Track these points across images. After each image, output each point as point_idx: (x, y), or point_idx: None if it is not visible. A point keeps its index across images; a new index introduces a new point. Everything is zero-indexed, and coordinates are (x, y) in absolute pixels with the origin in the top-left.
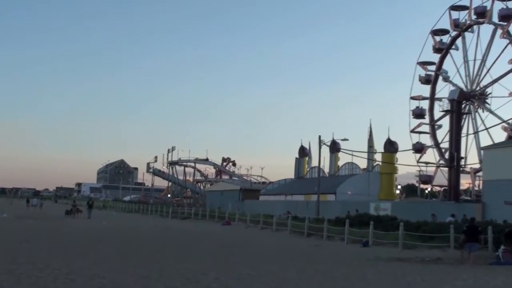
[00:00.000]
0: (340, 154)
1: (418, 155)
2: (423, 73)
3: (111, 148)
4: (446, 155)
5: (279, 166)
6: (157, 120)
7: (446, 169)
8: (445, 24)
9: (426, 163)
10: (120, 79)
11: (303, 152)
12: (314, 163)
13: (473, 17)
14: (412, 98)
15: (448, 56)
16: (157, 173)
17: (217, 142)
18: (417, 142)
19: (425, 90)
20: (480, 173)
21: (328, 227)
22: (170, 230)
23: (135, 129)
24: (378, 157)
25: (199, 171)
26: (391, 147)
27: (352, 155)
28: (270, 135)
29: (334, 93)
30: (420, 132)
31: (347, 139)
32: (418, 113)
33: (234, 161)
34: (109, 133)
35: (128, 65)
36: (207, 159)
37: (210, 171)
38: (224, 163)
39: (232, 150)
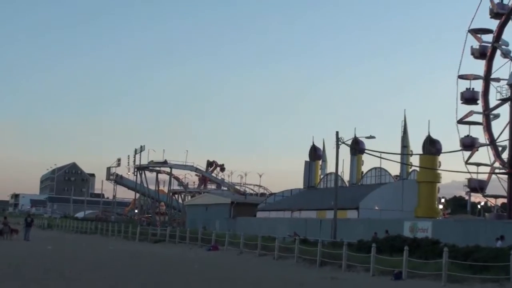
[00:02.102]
0: (364, 157)
1: (467, 154)
2: (476, 44)
3: (59, 148)
4: (505, 156)
5: (283, 173)
6: (121, 112)
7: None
8: None
9: (478, 164)
10: (75, 65)
11: (315, 154)
12: (330, 168)
13: None
14: (461, 77)
15: (510, 23)
16: (120, 181)
17: (201, 141)
18: (467, 136)
19: (479, 66)
20: None
21: (348, 253)
22: (137, 258)
23: (91, 123)
24: (415, 160)
25: (176, 178)
26: (432, 147)
27: (381, 158)
28: (272, 132)
29: (355, 78)
30: (470, 123)
31: (373, 137)
32: (468, 97)
33: (222, 165)
34: (56, 129)
35: (87, 47)
36: (188, 164)
37: (192, 178)
38: (210, 168)
39: (220, 151)
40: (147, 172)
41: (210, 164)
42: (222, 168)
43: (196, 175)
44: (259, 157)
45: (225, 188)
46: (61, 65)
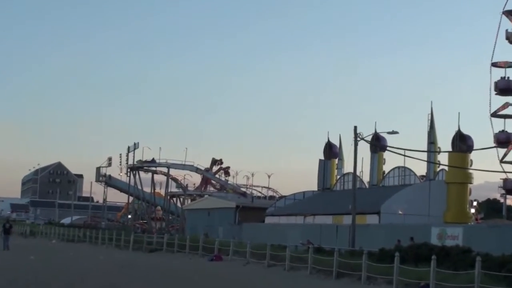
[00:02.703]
0: (386, 155)
1: (502, 151)
2: (511, 27)
3: (43, 146)
4: None
5: (294, 173)
6: (113, 106)
7: None
8: None
9: None
10: (60, 54)
11: (331, 152)
12: (348, 167)
13: None
14: (494, 64)
15: None
16: (111, 182)
17: (202, 138)
18: (502, 131)
19: None
20: None
21: (368, 263)
22: (130, 269)
23: (78, 118)
24: (443, 158)
25: (175, 179)
26: (462, 143)
27: (405, 155)
28: (282, 128)
29: (374, 69)
30: (506, 116)
31: (396, 132)
32: (503, 87)
33: (228, 168)
34: (39, 124)
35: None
36: (187, 163)
37: (192, 179)
38: (214, 168)
39: (224, 149)
40: (141, 173)
41: (214, 162)
42: (227, 171)
43: (198, 174)
44: (268, 155)
45: (230, 191)
46: (42, 55)
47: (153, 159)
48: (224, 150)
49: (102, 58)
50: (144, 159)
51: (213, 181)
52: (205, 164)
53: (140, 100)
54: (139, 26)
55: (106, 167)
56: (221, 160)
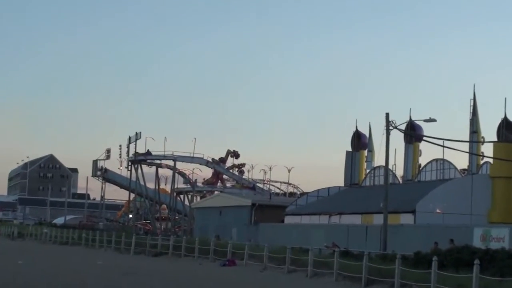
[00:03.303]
0: (422, 146)
1: None
2: None
3: (33, 136)
4: None
5: (318, 166)
6: (111, 91)
7: None
8: None
9: None
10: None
11: (359, 142)
12: (379, 160)
13: None
14: None
15: None
16: (110, 177)
17: (214, 127)
18: None
19: None
20: None
21: (402, 269)
22: (132, 276)
23: (72, 105)
24: (487, 149)
25: (182, 174)
26: (509, 133)
27: (443, 146)
28: (303, 115)
29: (409, 47)
30: None
31: (434, 120)
32: None
33: (242, 165)
34: (28, 113)
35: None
36: (196, 156)
37: (201, 174)
38: (229, 159)
39: (237, 140)
40: (144, 166)
41: (228, 154)
42: (240, 169)
43: (208, 168)
44: (287, 146)
45: (245, 186)
46: (32, 42)
47: (148, 151)
48: (237, 141)
49: (99, 40)
50: (146, 151)
51: (225, 176)
52: (216, 156)
53: (144, 84)
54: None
55: (104, 160)
56: (235, 151)
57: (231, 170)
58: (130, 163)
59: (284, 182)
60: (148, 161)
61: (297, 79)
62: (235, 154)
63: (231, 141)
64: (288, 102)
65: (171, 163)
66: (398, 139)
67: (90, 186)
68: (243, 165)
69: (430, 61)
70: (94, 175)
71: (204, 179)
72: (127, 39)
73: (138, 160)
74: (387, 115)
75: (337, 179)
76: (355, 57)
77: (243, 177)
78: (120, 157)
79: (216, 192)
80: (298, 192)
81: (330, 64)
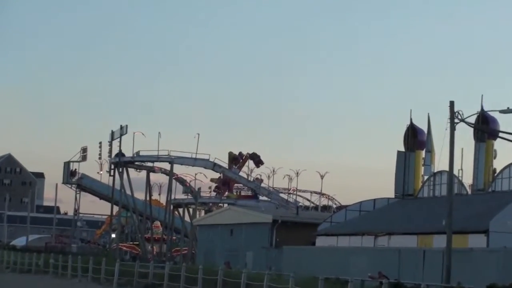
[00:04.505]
0: (498, 144)
1: None
2: None
3: None
4: None
5: (359, 172)
6: (91, 72)
7: None
8: None
9: None
10: None
11: (415, 140)
12: (440, 163)
13: None
14: None
15: None
16: (87, 185)
17: (222, 120)
18: None
19: None
20: None
21: None
22: None
23: (37, 92)
24: None
25: (181, 181)
26: None
27: None
28: (339, 106)
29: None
30: None
31: None
32: None
33: (258, 157)
34: None
35: None
36: (200, 157)
37: (206, 181)
38: (236, 165)
39: (253, 137)
40: (131, 171)
41: (235, 157)
42: (259, 161)
43: (211, 180)
44: (319, 146)
45: (264, 197)
46: None
47: (138, 152)
48: (253, 139)
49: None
50: (148, 151)
51: (238, 183)
52: (224, 157)
53: (131, 65)
54: None
55: (79, 162)
56: (254, 155)
57: (244, 168)
58: (112, 166)
59: (316, 192)
60: (136, 163)
61: (330, 59)
62: (255, 158)
63: (244, 138)
64: (317, 89)
65: (166, 166)
66: (466, 136)
67: (61, 197)
68: (259, 157)
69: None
70: (65, 181)
71: (209, 188)
72: None
73: (123, 162)
74: (452, 104)
75: (386, 188)
76: (407, 33)
77: (262, 185)
78: (100, 159)
79: (225, 205)
80: (334, 206)
81: (374, 43)
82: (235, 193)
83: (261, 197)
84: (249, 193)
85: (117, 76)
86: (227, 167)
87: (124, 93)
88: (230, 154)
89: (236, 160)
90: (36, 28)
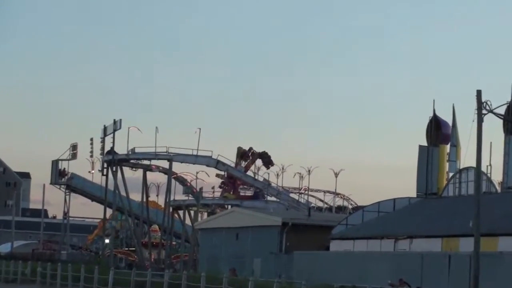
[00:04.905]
0: None
1: None
2: None
3: None
4: None
5: (377, 169)
6: (83, 62)
7: None
8: None
9: None
10: None
11: (438, 134)
12: (467, 159)
13: None
14: None
15: None
16: (78, 186)
17: (226, 115)
18: None
19: None
20: None
21: None
22: None
23: (24, 82)
24: None
25: (181, 180)
26: None
27: None
28: (355, 96)
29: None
30: None
31: None
32: None
33: (268, 157)
34: None
35: None
36: (202, 154)
37: (209, 180)
38: (243, 163)
39: (260, 132)
40: (126, 169)
41: (244, 153)
42: (268, 162)
43: (218, 172)
44: (334, 141)
45: (272, 198)
46: None
47: (133, 149)
48: (260, 134)
49: None
50: (144, 148)
51: (244, 183)
52: (230, 155)
53: (125, 56)
54: None
55: (68, 160)
56: (264, 153)
57: (251, 167)
58: (105, 165)
59: (330, 192)
60: (132, 161)
61: (353, 51)
62: (264, 158)
63: (250, 133)
64: (333, 79)
65: (165, 164)
66: (495, 129)
67: (49, 199)
68: (269, 157)
69: None
70: (53, 182)
71: (213, 188)
72: None
73: (117, 160)
74: (479, 93)
75: (407, 187)
76: (431, 18)
77: (271, 184)
78: (92, 156)
79: (230, 207)
80: (350, 206)
81: (394, 32)
82: (233, 195)
83: (269, 198)
84: (248, 193)
85: (114, 73)
86: (231, 165)
87: (119, 89)
88: (239, 149)
89: (246, 155)
90: (28, 25)
